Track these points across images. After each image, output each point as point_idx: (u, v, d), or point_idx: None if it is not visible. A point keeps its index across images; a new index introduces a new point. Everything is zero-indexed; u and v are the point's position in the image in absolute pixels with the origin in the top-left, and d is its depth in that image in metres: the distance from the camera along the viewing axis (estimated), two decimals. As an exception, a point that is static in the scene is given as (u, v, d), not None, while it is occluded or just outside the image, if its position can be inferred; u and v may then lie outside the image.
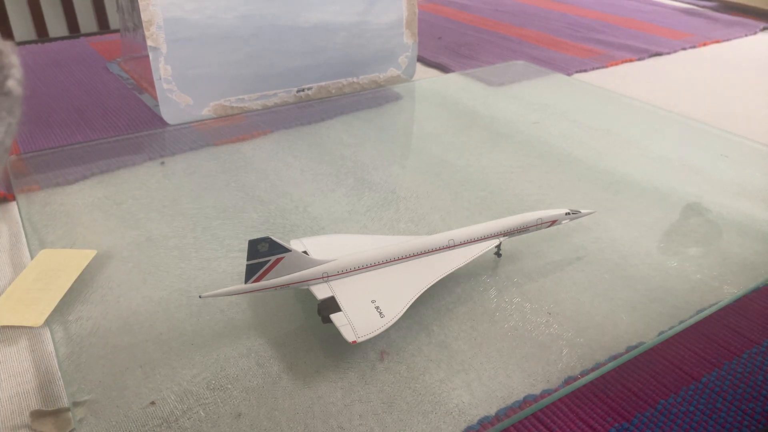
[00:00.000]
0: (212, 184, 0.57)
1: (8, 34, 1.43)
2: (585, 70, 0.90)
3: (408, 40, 0.81)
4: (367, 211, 0.53)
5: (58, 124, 0.70)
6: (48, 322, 0.40)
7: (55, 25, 1.51)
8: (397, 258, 0.41)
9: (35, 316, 0.40)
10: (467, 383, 0.36)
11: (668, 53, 0.99)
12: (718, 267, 0.46)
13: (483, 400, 0.35)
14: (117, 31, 1.03)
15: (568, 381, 0.36)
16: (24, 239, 0.49)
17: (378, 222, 0.52)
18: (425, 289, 0.39)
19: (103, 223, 0.51)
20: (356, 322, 0.36)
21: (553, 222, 0.46)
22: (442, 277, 0.41)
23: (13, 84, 0.26)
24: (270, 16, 0.71)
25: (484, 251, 0.43)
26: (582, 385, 0.36)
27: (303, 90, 0.76)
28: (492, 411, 0.34)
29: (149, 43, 0.64)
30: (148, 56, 0.65)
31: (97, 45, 0.97)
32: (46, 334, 0.40)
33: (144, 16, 0.63)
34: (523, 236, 0.48)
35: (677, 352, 0.38)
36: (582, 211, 0.48)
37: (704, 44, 1.04)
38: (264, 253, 0.37)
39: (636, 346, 0.38)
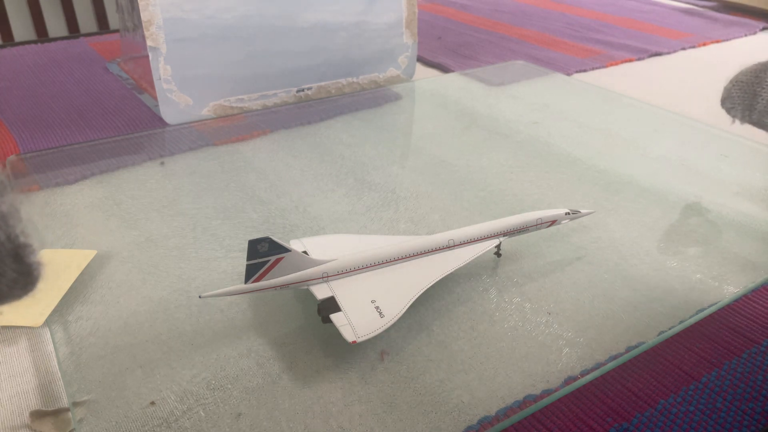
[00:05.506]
0: (212, 184, 0.57)
1: (8, 34, 1.43)
2: (585, 70, 0.90)
3: (408, 40, 0.81)
4: (367, 211, 0.53)
5: (58, 124, 0.70)
6: (48, 322, 0.40)
7: (55, 25, 1.51)
8: (396, 258, 0.41)
9: (35, 316, 0.40)
10: (467, 383, 0.36)
11: (668, 53, 0.99)
12: (718, 267, 0.46)
13: (483, 400, 0.35)
14: (117, 31, 1.03)
15: (568, 381, 0.36)
16: (24, 239, 0.49)
17: (378, 222, 0.52)
18: (425, 289, 0.39)
19: (103, 223, 0.51)
20: (356, 322, 0.36)
21: (553, 222, 0.46)
22: (442, 277, 0.41)
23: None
24: (270, 16, 0.71)
25: (484, 251, 0.43)
26: (582, 385, 0.36)
27: (303, 90, 0.76)
28: (492, 411, 0.34)
29: (149, 43, 0.64)
30: (147, 56, 0.65)
31: (97, 45, 0.97)
32: (46, 334, 0.40)
33: (144, 16, 0.63)
34: (523, 236, 0.48)
35: (677, 352, 0.38)
36: (582, 211, 0.48)
37: (704, 44, 1.04)
38: (264, 253, 0.37)
39: (636, 346, 0.38)
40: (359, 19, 0.76)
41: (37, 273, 0.24)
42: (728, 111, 0.40)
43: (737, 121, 0.40)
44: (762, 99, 0.38)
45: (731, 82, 0.40)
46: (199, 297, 0.38)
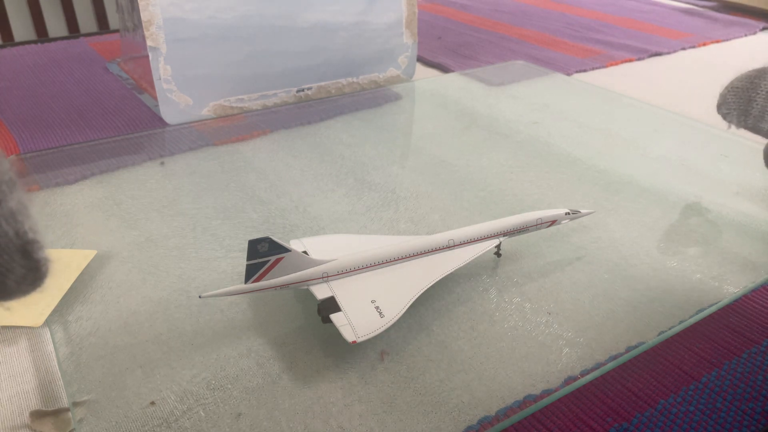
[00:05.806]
0: (212, 184, 0.57)
1: (8, 34, 1.43)
2: (584, 70, 0.90)
3: (407, 40, 0.81)
4: (367, 211, 0.53)
5: (58, 124, 0.70)
6: (48, 322, 0.40)
7: (55, 25, 1.51)
8: (397, 258, 0.41)
9: (35, 316, 0.40)
10: (467, 383, 0.36)
11: (668, 53, 0.99)
12: (718, 267, 0.46)
13: (483, 400, 0.35)
14: (117, 31, 1.03)
15: (568, 381, 0.36)
16: (24, 239, 0.49)
17: (378, 222, 0.52)
18: (425, 289, 0.39)
19: (103, 223, 0.51)
20: (356, 322, 0.36)
21: (553, 222, 0.46)
22: (442, 277, 0.41)
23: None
24: (270, 16, 0.71)
25: (484, 251, 0.43)
26: (582, 385, 0.36)
27: (303, 90, 0.76)
28: (492, 411, 0.34)
29: (149, 43, 0.64)
30: (147, 56, 0.65)
31: (97, 45, 0.97)
32: (46, 334, 0.40)
33: (144, 16, 0.63)
34: (523, 236, 0.48)
35: (677, 352, 0.38)
36: (582, 211, 0.48)
37: (704, 44, 1.04)
38: (264, 253, 0.37)
39: (636, 346, 0.38)
40: (359, 19, 0.76)
41: (45, 269, 0.24)
42: (724, 116, 0.41)
43: (733, 127, 0.41)
44: (757, 104, 0.38)
45: (726, 88, 0.40)
46: (199, 297, 0.38)
